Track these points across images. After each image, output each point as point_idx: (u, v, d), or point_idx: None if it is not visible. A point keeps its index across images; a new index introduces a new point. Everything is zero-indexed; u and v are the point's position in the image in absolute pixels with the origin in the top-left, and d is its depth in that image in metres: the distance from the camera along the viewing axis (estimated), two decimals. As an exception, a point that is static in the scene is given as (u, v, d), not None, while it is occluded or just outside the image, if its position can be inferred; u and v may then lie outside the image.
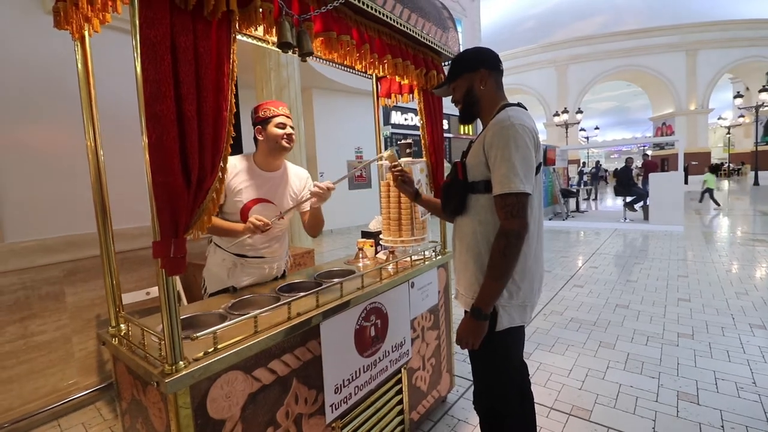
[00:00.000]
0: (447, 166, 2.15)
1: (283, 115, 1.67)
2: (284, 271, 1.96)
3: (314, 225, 1.91)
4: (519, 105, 1.29)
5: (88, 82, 1.23)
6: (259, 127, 1.67)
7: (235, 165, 1.67)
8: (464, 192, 1.30)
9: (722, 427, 1.90)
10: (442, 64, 2.01)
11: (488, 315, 1.19)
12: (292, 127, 1.70)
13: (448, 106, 2.19)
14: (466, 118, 1.38)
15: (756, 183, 16.83)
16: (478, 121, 1.38)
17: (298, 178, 1.86)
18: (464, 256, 1.30)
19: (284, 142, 1.66)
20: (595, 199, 14.05)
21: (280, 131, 1.65)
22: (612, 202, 13.55)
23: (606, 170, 29.44)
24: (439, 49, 1.90)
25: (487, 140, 1.19)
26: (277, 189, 1.75)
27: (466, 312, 1.34)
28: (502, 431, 1.34)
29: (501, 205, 1.14)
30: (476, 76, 1.30)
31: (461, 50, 2.04)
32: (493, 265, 1.15)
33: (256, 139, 1.71)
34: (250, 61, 4.82)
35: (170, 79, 0.89)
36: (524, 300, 1.24)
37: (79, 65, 1.22)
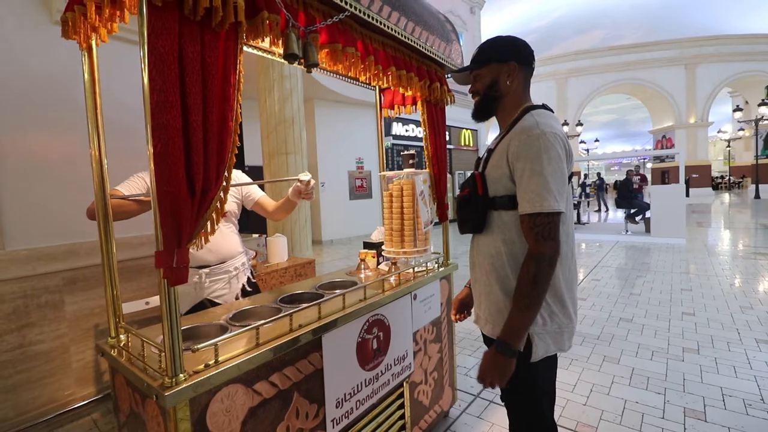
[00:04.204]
0: (448, 178, 2.15)
1: None
2: (251, 275, 1.94)
3: (285, 212, 1.93)
4: (544, 107, 1.16)
5: (94, 91, 1.24)
6: None
7: None
8: (485, 208, 1.16)
9: (731, 445, 1.87)
10: (446, 75, 2.03)
11: (517, 351, 1.04)
12: None
13: (450, 117, 2.19)
14: (481, 113, 1.24)
15: (757, 196, 16.82)
16: (482, 131, 1.32)
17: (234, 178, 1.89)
18: (486, 278, 1.18)
19: None
20: (607, 210, 14.01)
21: None
22: (613, 214, 13.53)
23: (606, 183, 29.51)
24: (443, 62, 1.91)
25: (512, 150, 1.06)
26: None
27: (484, 336, 1.25)
28: None
29: (530, 225, 1.02)
30: (504, 69, 1.16)
31: (463, 63, 2.06)
32: (522, 294, 1.02)
33: None
34: (254, 72, 4.87)
35: (177, 88, 0.89)
36: (560, 325, 1.11)
37: (86, 75, 1.23)
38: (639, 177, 10.36)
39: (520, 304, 1.02)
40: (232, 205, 1.84)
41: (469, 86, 1.27)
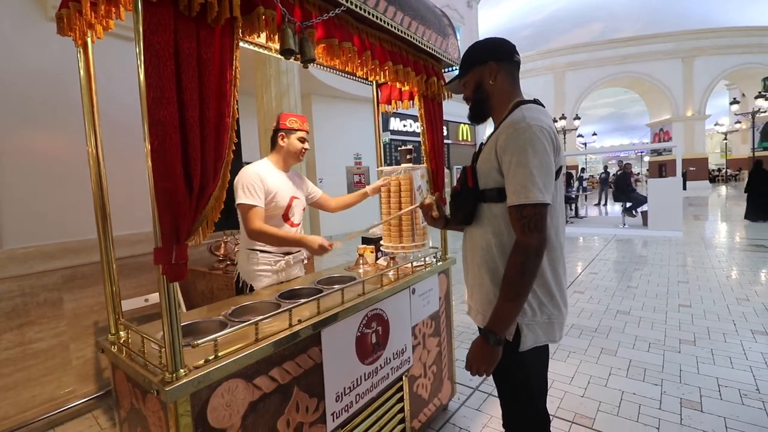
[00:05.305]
0: (446, 173, 2.16)
1: (305, 131, 1.93)
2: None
3: (351, 206, 2.22)
4: (535, 101, 1.17)
5: (90, 88, 1.23)
6: (283, 134, 1.89)
7: (265, 169, 1.85)
8: (475, 200, 1.18)
9: (726, 434, 1.89)
10: (443, 70, 2.02)
11: (502, 340, 1.05)
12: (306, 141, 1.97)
13: (448, 112, 2.20)
14: (476, 116, 1.26)
15: (754, 189, 16.85)
16: (480, 127, 1.33)
17: (298, 175, 2.07)
18: (477, 269, 1.20)
19: (301, 156, 1.95)
20: (605, 204, 13.88)
21: (300, 145, 1.92)
22: (610, 207, 13.54)
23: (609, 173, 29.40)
24: (439, 56, 1.91)
25: (499, 144, 1.08)
26: (295, 185, 1.96)
27: (480, 330, 1.28)
28: None
29: (517, 217, 1.03)
30: (486, 70, 1.18)
31: (459, 57, 2.06)
32: (509, 284, 1.03)
33: (273, 142, 1.92)
34: (251, 69, 4.84)
35: (173, 85, 0.89)
36: (550, 316, 1.13)
37: (82, 71, 1.23)
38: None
39: (506, 294, 1.04)
40: (303, 201, 2.05)
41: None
